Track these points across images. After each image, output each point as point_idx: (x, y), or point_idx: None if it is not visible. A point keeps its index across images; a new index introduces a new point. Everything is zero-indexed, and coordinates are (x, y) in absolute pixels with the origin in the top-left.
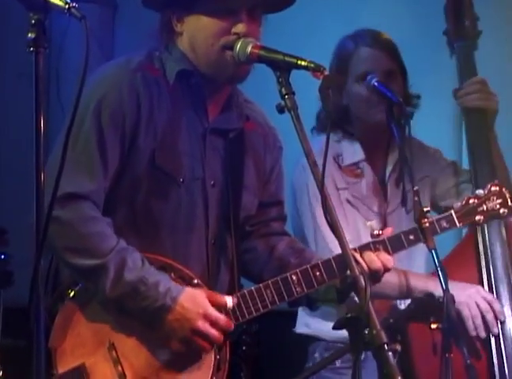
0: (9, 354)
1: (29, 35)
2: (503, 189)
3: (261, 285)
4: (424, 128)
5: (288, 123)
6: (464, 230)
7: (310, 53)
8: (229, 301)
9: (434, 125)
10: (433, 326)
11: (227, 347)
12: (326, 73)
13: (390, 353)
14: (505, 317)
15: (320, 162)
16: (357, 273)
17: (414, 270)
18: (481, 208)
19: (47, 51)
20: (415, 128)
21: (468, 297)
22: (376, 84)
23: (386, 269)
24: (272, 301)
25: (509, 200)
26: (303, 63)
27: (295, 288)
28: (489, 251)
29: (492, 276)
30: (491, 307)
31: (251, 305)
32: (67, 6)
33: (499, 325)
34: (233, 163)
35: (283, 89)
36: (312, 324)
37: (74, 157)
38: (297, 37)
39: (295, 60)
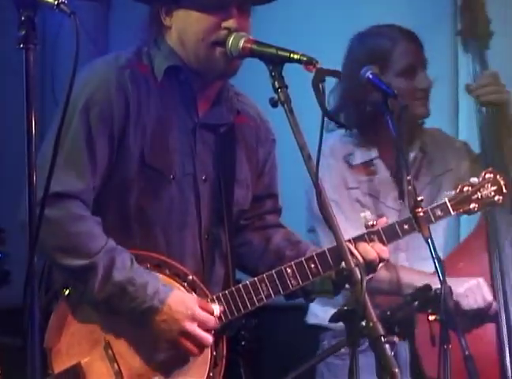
0: (7, 353)
1: (19, 31)
2: (498, 176)
3: (255, 279)
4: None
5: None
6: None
7: (304, 44)
8: (216, 309)
9: (432, 116)
10: (431, 318)
11: (223, 343)
12: (319, 66)
13: (387, 345)
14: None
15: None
16: (352, 266)
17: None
18: (476, 196)
19: (39, 48)
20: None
21: (468, 289)
22: (371, 76)
23: (382, 260)
24: (268, 294)
25: (503, 187)
26: (296, 56)
27: (291, 281)
28: (500, 241)
29: (503, 266)
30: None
31: (246, 299)
32: (56, 2)
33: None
34: (224, 158)
35: (276, 83)
36: (320, 314)
37: (62, 156)
38: (290, 28)
39: (287, 53)
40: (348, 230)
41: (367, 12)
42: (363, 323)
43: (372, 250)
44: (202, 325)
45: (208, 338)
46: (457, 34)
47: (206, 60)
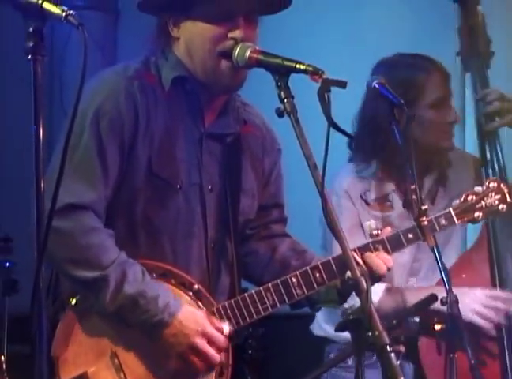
0: (15, 360)
1: (27, 43)
2: (501, 185)
3: (261, 288)
4: None
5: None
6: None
7: (309, 55)
8: (225, 328)
9: None
10: (437, 327)
11: (229, 351)
12: (325, 76)
13: (393, 354)
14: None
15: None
16: (358, 275)
17: (449, 252)
18: (480, 205)
19: (48, 59)
20: None
21: (472, 302)
22: (377, 86)
23: (387, 269)
24: (273, 303)
25: (507, 196)
26: (302, 67)
27: (296, 290)
28: (500, 253)
29: (504, 279)
30: (495, 301)
31: (252, 308)
32: (64, 14)
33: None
34: (230, 167)
35: (282, 93)
36: (328, 327)
37: (73, 166)
38: (296, 38)
39: (293, 64)
40: None
41: (370, 23)
42: (369, 332)
43: (378, 259)
44: (212, 343)
45: (217, 356)
46: (457, 54)
47: (213, 72)
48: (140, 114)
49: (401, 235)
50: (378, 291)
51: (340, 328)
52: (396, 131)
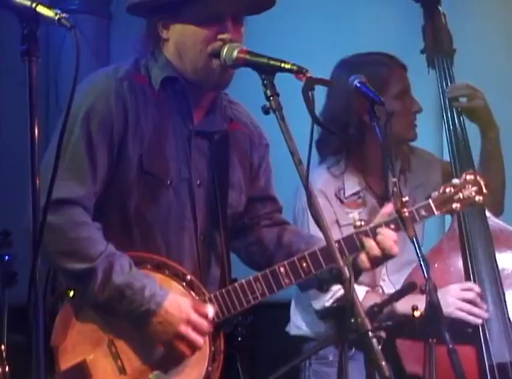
0: (15, 350)
1: (22, 45)
2: (478, 177)
3: (251, 278)
4: None
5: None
6: (447, 223)
7: (295, 54)
8: (210, 311)
9: (418, 122)
10: (416, 314)
11: (221, 339)
12: (308, 75)
13: (375, 339)
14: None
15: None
16: (341, 265)
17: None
18: (457, 196)
19: (43, 61)
20: None
21: (452, 297)
22: (358, 84)
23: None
24: (262, 293)
25: (483, 188)
26: (287, 66)
27: (284, 280)
28: (471, 243)
29: (475, 267)
30: (475, 292)
31: (242, 297)
32: (57, 17)
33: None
34: (218, 163)
35: (268, 91)
36: (304, 326)
37: (64, 164)
38: (282, 39)
39: (278, 63)
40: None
41: (354, 24)
42: (352, 319)
43: (390, 236)
44: (196, 329)
45: (200, 341)
46: (421, 52)
47: (203, 71)
48: (129, 113)
49: (384, 226)
50: (360, 293)
51: (323, 315)
52: (376, 128)
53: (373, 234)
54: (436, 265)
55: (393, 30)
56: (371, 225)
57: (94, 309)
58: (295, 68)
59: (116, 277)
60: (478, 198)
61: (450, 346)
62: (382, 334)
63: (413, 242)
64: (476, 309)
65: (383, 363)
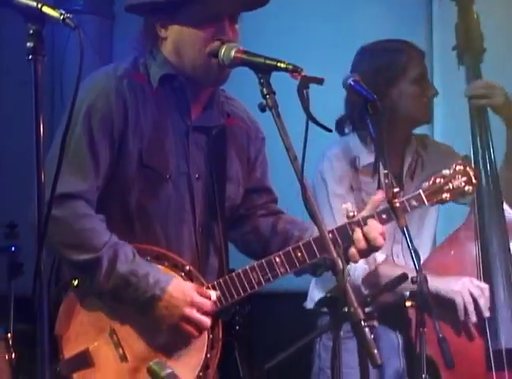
0: (22, 338)
1: (28, 44)
2: (467, 168)
3: (247, 267)
4: None
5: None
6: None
7: (291, 53)
8: (213, 294)
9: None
10: (408, 303)
11: (219, 327)
12: (303, 74)
13: (367, 329)
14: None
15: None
16: (335, 256)
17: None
18: (447, 187)
19: (49, 60)
20: None
21: (462, 285)
22: (352, 83)
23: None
24: (259, 282)
25: (473, 178)
26: (282, 65)
27: (279, 269)
28: (487, 233)
29: (489, 256)
30: (483, 293)
31: (239, 286)
32: (62, 17)
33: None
34: (216, 157)
35: (264, 89)
36: (317, 297)
37: (67, 159)
38: (278, 37)
39: (274, 62)
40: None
41: (351, 24)
42: (345, 308)
43: (375, 233)
44: (200, 310)
45: (207, 321)
46: (453, 49)
47: (203, 69)
48: (129, 110)
49: (376, 216)
50: (379, 259)
51: (319, 305)
52: (370, 124)
53: (364, 223)
54: (452, 252)
55: (390, 30)
56: (363, 215)
57: (100, 298)
58: (290, 67)
59: (121, 266)
60: (467, 188)
61: (440, 335)
62: (375, 323)
63: (404, 233)
64: (472, 308)
65: (375, 351)
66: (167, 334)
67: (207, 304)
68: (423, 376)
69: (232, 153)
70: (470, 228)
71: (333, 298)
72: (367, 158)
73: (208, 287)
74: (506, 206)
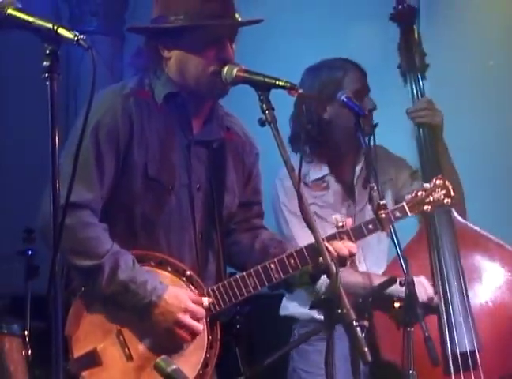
0: (38, 335)
1: (44, 63)
2: (446, 182)
3: (244, 273)
4: (388, 138)
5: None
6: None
7: (287, 72)
8: (205, 301)
9: (396, 136)
10: (396, 305)
11: (217, 328)
12: (300, 91)
13: (358, 328)
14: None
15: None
16: (329, 261)
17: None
18: (428, 199)
19: (64, 78)
20: (380, 138)
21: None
22: (345, 99)
23: (352, 254)
24: (255, 286)
25: (451, 191)
26: (281, 83)
27: (274, 275)
28: (439, 242)
29: (442, 264)
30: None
31: (237, 290)
32: (76, 38)
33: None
34: (215, 169)
35: (263, 105)
36: (290, 307)
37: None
38: (272, 58)
39: (273, 80)
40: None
41: (341, 43)
42: (339, 310)
43: (344, 247)
44: (193, 316)
45: (199, 326)
46: (398, 67)
47: (206, 85)
48: (135, 126)
49: (363, 226)
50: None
51: (313, 306)
52: (361, 138)
53: (348, 236)
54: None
55: (378, 48)
56: (352, 227)
57: (103, 303)
58: (288, 85)
59: (121, 273)
60: (446, 200)
61: (426, 334)
62: (365, 323)
63: (393, 240)
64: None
65: (366, 349)
66: (164, 338)
67: (200, 312)
68: (410, 371)
69: (230, 165)
70: (422, 239)
71: (327, 300)
72: (314, 174)
73: (208, 291)
74: (455, 214)
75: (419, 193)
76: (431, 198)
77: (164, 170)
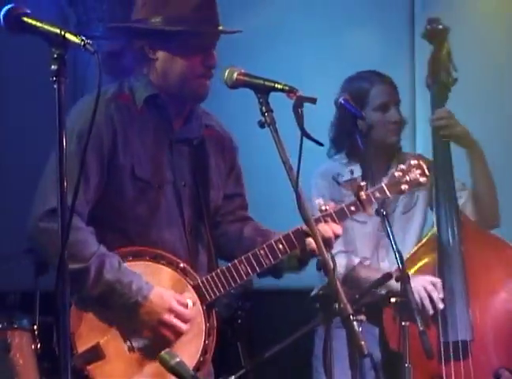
0: (46, 329)
1: (52, 66)
2: (421, 162)
3: (235, 261)
4: None
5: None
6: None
7: (287, 76)
8: (189, 302)
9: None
10: (392, 300)
11: (213, 316)
12: (298, 94)
13: (356, 322)
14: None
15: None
16: (327, 257)
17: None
18: (405, 179)
19: (71, 81)
20: None
21: (417, 282)
22: (343, 101)
23: (337, 236)
24: (247, 272)
25: (426, 170)
26: (279, 86)
27: (264, 260)
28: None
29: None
30: (436, 287)
31: (230, 277)
32: (82, 43)
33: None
34: (198, 165)
35: (263, 108)
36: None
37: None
38: (274, 63)
39: (272, 84)
40: None
41: (342, 49)
42: (336, 304)
43: (329, 229)
44: (178, 316)
45: (182, 326)
46: (426, 79)
47: (189, 90)
48: (118, 130)
49: (345, 208)
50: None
51: (311, 301)
52: (358, 139)
53: (332, 219)
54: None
55: (378, 55)
56: (335, 209)
57: (96, 302)
58: (286, 88)
59: (107, 274)
60: (422, 179)
61: (421, 328)
62: (362, 317)
63: (389, 237)
64: (427, 302)
65: (362, 343)
66: (151, 336)
67: (184, 312)
68: (406, 365)
69: (212, 161)
70: (429, 244)
71: (325, 294)
72: (349, 175)
73: (202, 281)
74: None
75: (396, 174)
76: (408, 178)
77: (151, 171)
